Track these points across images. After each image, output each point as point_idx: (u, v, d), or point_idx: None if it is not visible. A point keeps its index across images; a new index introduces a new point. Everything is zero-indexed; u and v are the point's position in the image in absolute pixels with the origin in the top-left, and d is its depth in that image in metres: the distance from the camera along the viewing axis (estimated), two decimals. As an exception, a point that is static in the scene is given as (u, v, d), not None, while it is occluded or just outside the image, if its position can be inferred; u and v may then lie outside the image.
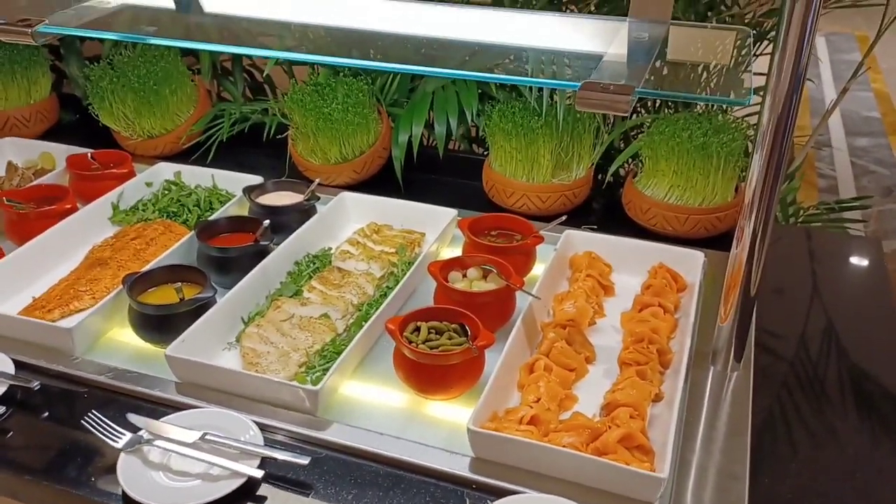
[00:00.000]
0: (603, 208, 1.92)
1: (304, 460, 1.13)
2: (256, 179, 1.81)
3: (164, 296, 1.43)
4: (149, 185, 1.85)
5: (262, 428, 1.20)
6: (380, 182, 1.95)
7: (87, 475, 1.15)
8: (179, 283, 1.42)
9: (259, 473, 1.11)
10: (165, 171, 1.89)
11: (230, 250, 1.55)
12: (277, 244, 1.59)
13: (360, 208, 1.78)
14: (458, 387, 1.27)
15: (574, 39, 1.51)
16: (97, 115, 2.05)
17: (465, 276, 1.47)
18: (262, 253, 1.55)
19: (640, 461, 1.12)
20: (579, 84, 1.12)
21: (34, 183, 1.84)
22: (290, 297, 1.49)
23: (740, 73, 1.30)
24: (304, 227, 1.66)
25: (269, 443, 1.18)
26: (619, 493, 1.09)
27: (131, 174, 1.87)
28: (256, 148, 2.06)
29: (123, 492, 1.10)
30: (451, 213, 1.71)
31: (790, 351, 1.44)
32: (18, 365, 1.32)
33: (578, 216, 1.75)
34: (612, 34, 1.43)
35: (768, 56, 1.10)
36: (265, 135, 2.03)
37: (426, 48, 1.47)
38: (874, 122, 5.48)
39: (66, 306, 1.46)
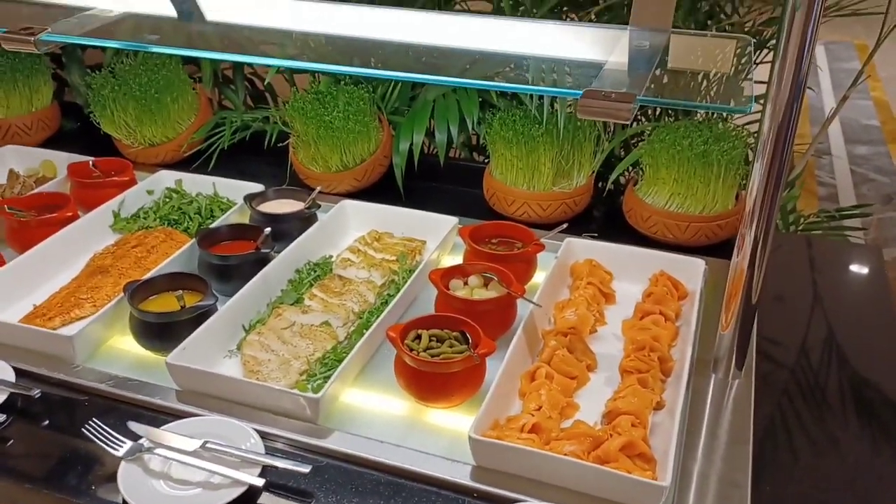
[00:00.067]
0: (604, 216, 1.92)
1: (305, 468, 1.13)
2: (257, 187, 1.82)
3: (165, 303, 1.43)
4: (150, 192, 1.86)
5: (263, 436, 1.20)
6: (381, 190, 1.95)
7: (87, 483, 1.15)
8: (180, 291, 1.42)
9: (260, 482, 1.11)
10: (167, 178, 1.90)
11: (231, 258, 1.55)
12: (278, 252, 1.59)
13: (361, 216, 1.78)
14: (460, 395, 1.27)
15: (575, 48, 1.52)
16: (98, 123, 2.05)
17: (466, 283, 1.47)
18: (263, 261, 1.55)
19: (642, 469, 1.12)
20: (581, 92, 1.12)
21: (35, 191, 1.84)
22: (291, 304, 1.49)
23: (741, 82, 1.30)
24: (305, 234, 1.66)
25: (270, 451, 1.18)
26: (621, 502, 1.09)
27: (132, 182, 1.88)
28: (257, 156, 2.07)
29: (124, 500, 1.10)
30: (452, 220, 1.72)
31: (791, 359, 1.44)
32: (19, 373, 1.32)
33: (579, 224, 1.75)
34: (612, 42, 1.44)
35: (769, 64, 1.10)
36: (266, 143, 2.03)
37: (427, 56, 1.48)
38: (874, 130, 5.49)
39: (67, 314, 1.46)
